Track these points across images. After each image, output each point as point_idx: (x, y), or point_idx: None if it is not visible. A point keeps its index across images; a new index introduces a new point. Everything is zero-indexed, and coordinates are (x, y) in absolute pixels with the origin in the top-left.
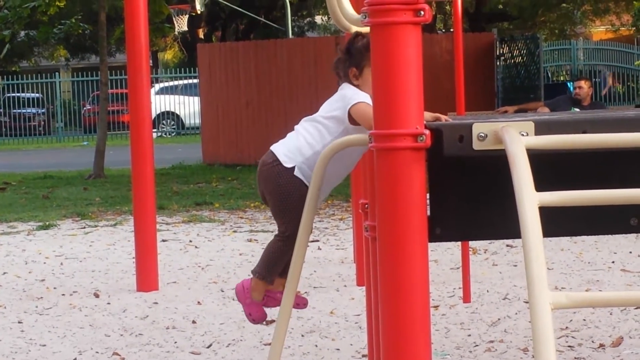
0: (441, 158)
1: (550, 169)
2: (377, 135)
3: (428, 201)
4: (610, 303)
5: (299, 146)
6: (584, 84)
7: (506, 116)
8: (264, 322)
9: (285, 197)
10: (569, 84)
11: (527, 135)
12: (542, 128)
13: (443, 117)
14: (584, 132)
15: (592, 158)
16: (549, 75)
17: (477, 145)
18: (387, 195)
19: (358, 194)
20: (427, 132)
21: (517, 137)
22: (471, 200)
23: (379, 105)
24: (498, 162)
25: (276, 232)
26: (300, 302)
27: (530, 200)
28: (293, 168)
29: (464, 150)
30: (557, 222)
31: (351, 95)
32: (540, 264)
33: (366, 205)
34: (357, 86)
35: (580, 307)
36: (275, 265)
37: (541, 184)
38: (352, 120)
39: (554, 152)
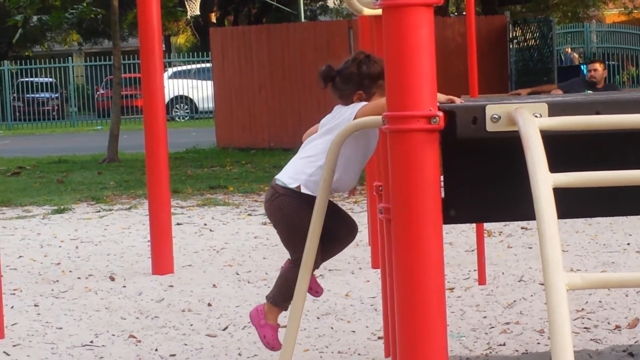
0: (455, 140)
1: (564, 150)
2: (390, 117)
3: (442, 183)
4: (626, 284)
5: (301, 165)
6: (598, 66)
7: (519, 98)
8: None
9: (291, 227)
10: (582, 66)
11: (541, 116)
12: (555, 109)
13: (457, 99)
14: (597, 113)
15: (605, 139)
16: (562, 58)
17: (490, 127)
18: (401, 177)
19: (372, 176)
20: (441, 114)
21: (530, 118)
22: (485, 181)
23: (392, 87)
24: (512, 143)
25: (289, 258)
26: (314, 288)
27: (544, 181)
28: (298, 187)
29: (477, 132)
30: (571, 204)
31: (351, 106)
32: (555, 245)
33: (380, 188)
34: None
35: (595, 287)
36: (291, 292)
37: (555, 166)
38: None
39: (568, 133)
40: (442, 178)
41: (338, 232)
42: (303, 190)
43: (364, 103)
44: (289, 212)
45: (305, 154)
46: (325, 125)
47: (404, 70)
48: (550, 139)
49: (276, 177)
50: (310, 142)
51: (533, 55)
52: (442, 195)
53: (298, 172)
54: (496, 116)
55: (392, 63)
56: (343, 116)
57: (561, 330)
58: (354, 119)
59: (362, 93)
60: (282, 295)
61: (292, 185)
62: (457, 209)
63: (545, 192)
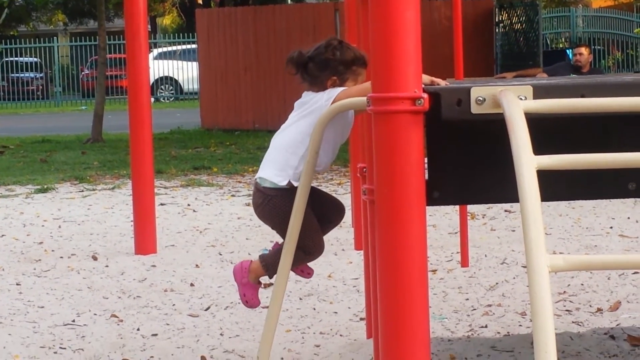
0: (439, 122)
1: (549, 133)
2: (375, 98)
3: (426, 165)
4: (607, 266)
5: (283, 159)
6: (584, 51)
7: (504, 81)
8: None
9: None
10: (568, 51)
11: (526, 99)
12: (540, 92)
13: (440, 80)
14: (582, 96)
15: (590, 122)
16: (548, 42)
17: (475, 109)
18: (385, 159)
19: (356, 158)
20: (425, 95)
21: (515, 100)
22: (469, 164)
23: (377, 69)
24: (496, 125)
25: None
26: (305, 270)
27: (528, 163)
28: (289, 183)
29: (462, 114)
30: (555, 187)
31: (326, 92)
32: (537, 226)
33: (364, 169)
34: None
35: (578, 269)
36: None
37: (539, 149)
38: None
39: (552, 116)
40: (426, 160)
41: (331, 215)
42: (295, 184)
43: (339, 89)
44: (288, 211)
45: (282, 145)
46: (296, 112)
47: (390, 52)
48: (535, 121)
49: (259, 177)
50: (282, 131)
51: (519, 39)
52: (426, 177)
53: (283, 167)
54: (481, 98)
55: (378, 45)
56: (318, 102)
57: (543, 313)
58: (334, 100)
59: (336, 79)
60: (275, 262)
61: (283, 183)
62: (441, 191)
63: (528, 174)
